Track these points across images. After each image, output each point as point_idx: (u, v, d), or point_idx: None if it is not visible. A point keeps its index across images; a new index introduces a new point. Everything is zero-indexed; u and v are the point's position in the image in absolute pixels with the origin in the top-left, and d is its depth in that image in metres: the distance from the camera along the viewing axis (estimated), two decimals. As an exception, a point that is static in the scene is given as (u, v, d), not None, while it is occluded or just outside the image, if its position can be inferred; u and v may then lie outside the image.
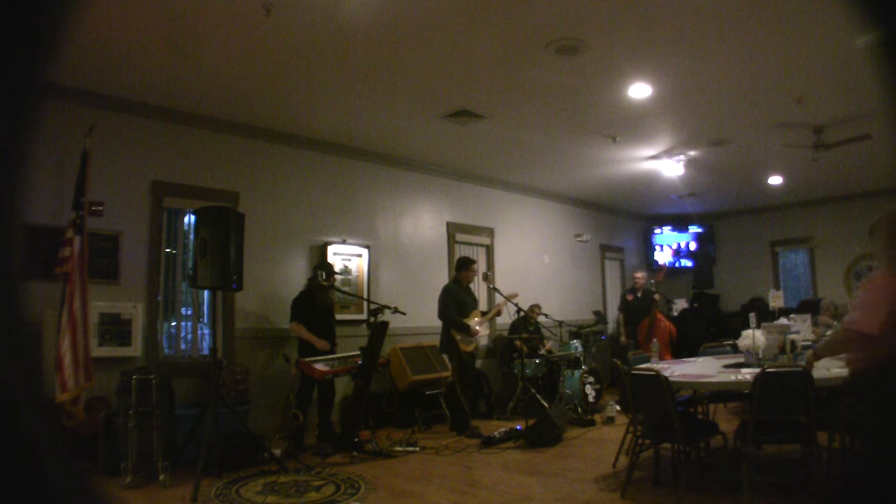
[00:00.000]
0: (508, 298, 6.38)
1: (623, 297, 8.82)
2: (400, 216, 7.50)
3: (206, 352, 5.66)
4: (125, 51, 4.38)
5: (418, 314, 6.87)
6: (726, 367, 4.26)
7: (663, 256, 11.44)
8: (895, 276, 2.55)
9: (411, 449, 5.25)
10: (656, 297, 8.10)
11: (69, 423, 4.22)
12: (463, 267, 6.35)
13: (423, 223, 7.77)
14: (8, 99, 0.78)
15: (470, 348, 6.20)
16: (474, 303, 6.46)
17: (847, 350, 2.79)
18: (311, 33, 4.22)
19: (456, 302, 6.17)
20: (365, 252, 6.94)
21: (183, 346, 5.72)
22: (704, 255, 11.05)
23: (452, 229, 8.09)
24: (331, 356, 5.39)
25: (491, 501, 3.87)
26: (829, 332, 6.20)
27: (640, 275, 8.52)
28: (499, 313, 6.64)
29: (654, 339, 7.67)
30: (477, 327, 6.22)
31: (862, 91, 5.17)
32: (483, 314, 6.53)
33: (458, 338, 6.09)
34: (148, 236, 5.36)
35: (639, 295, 8.39)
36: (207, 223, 4.43)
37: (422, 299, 7.24)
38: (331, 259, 6.53)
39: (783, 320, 5.93)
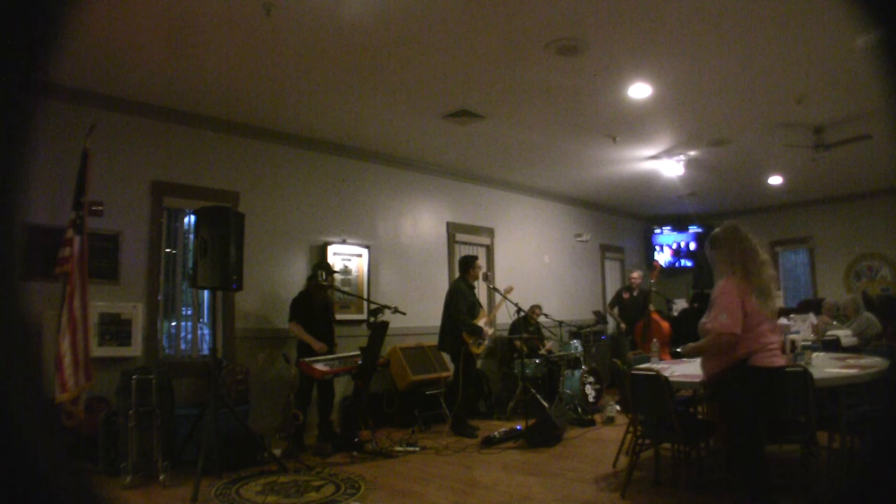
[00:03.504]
0: (504, 295, 6.39)
1: (619, 294, 8.81)
2: (400, 216, 7.50)
3: (206, 352, 5.66)
4: (125, 51, 4.38)
5: (418, 314, 6.87)
6: (726, 367, 4.25)
7: (663, 256, 11.44)
8: (741, 281, 3.00)
9: (411, 449, 5.25)
10: (653, 289, 8.12)
11: (69, 423, 4.21)
12: (469, 265, 6.34)
13: (423, 223, 7.77)
14: (8, 99, 0.77)
15: (480, 350, 6.20)
16: (479, 303, 6.46)
17: (721, 351, 3.06)
18: (311, 33, 4.22)
19: (468, 304, 6.15)
20: (365, 252, 6.94)
21: (183, 346, 5.72)
22: (704, 255, 11.03)
23: (452, 229, 8.09)
24: (330, 356, 5.39)
25: (491, 501, 3.87)
26: (829, 332, 6.21)
27: (636, 274, 8.52)
28: (508, 296, 6.63)
29: (654, 340, 7.69)
30: (487, 328, 6.23)
31: (862, 91, 5.17)
32: (486, 314, 6.54)
33: (471, 341, 6.03)
34: (148, 236, 5.36)
35: (635, 294, 8.39)
36: (207, 223, 4.43)
37: (422, 299, 7.24)
38: (331, 259, 6.53)
39: (783, 320, 5.93)
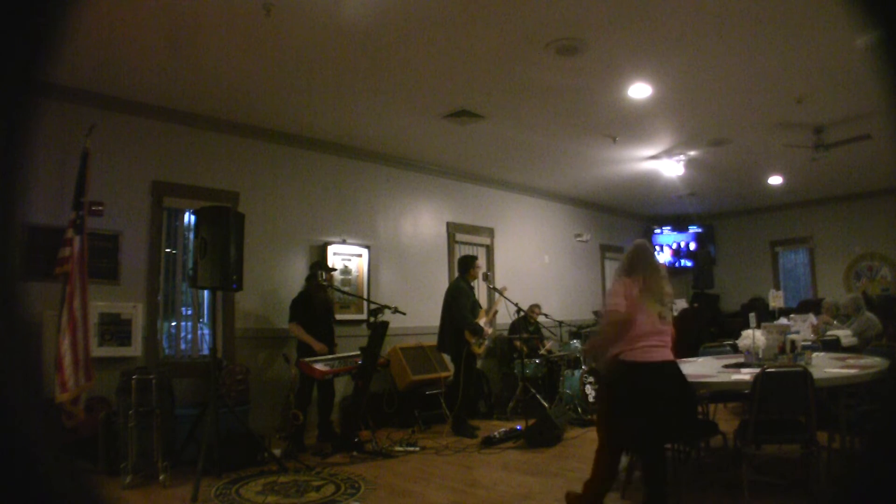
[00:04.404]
0: (501, 293, 6.37)
1: None
2: (400, 216, 7.50)
3: (206, 352, 5.66)
4: (125, 51, 4.38)
5: (418, 314, 6.87)
6: (726, 367, 4.25)
7: (663, 256, 11.45)
8: (626, 278, 3.38)
9: (411, 449, 5.25)
10: None
11: (69, 423, 4.21)
12: (469, 265, 6.32)
13: (423, 223, 7.78)
14: (8, 99, 0.77)
15: (481, 350, 6.19)
16: (478, 302, 6.46)
17: (614, 331, 3.35)
18: (311, 33, 4.22)
19: (470, 303, 6.14)
20: (365, 252, 6.94)
21: (183, 346, 5.72)
22: (704, 255, 11.04)
23: (452, 229, 8.09)
24: (330, 356, 5.39)
25: (491, 501, 3.87)
26: (829, 332, 6.22)
27: None
28: (495, 311, 6.65)
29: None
30: (487, 328, 6.23)
31: (862, 91, 5.17)
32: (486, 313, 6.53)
33: (473, 340, 6.01)
34: (148, 236, 5.36)
35: None
36: (207, 223, 4.43)
37: (422, 299, 7.24)
38: (331, 259, 6.53)
39: (783, 320, 5.93)
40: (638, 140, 6.93)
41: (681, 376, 3.33)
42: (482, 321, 6.18)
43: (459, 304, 6.06)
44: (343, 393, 6.26)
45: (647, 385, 3.21)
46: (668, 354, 3.29)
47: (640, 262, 3.44)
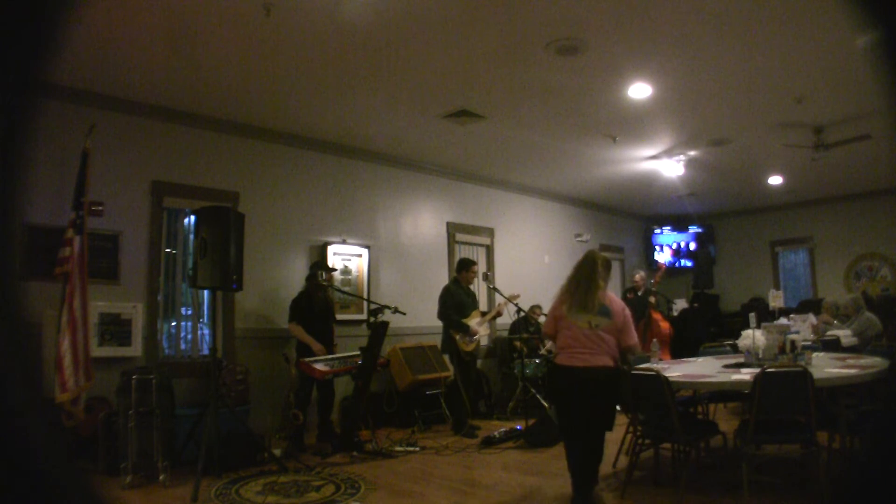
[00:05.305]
0: (510, 299, 6.36)
1: (623, 296, 8.81)
2: (400, 216, 7.50)
3: (206, 352, 5.66)
4: (125, 51, 4.38)
5: (418, 314, 6.86)
6: (726, 367, 4.25)
7: (663, 256, 11.45)
8: (562, 293, 3.77)
9: (411, 449, 5.25)
10: (651, 299, 8.10)
11: (69, 423, 4.21)
12: (463, 268, 6.34)
13: (423, 223, 7.77)
14: (8, 99, 0.77)
15: (470, 348, 6.18)
16: (474, 303, 6.45)
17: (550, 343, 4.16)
18: (311, 33, 4.22)
19: (455, 302, 6.15)
20: (365, 252, 6.94)
21: (183, 346, 5.72)
22: (704, 255, 11.04)
23: (452, 229, 8.09)
24: (330, 356, 5.39)
25: (491, 501, 3.87)
26: (829, 332, 6.22)
27: (638, 277, 8.52)
28: (499, 314, 6.64)
29: (654, 339, 7.69)
30: (477, 327, 6.22)
31: (862, 91, 5.17)
32: (483, 314, 6.52)
33: (458, 337, 6.06)
34: (148, 236, 5.36)
35: (639, 294, 8.39)
36: (207, 223, 4.44)
37: (422, 299, 7.24)
38: (331, 259, 6.53)
39: (783, 320, 5.93)
40: (638, 140, 6.93)
41: (600, 382, 3.55)
42: (475, 321, 6.18)
43: (442, 304, 6.14)
44: (343, 393, 6.26)
45: (565, 385, 3.64)
46: (594, 361, 3.54)
47: (574, 275, 3.75)
